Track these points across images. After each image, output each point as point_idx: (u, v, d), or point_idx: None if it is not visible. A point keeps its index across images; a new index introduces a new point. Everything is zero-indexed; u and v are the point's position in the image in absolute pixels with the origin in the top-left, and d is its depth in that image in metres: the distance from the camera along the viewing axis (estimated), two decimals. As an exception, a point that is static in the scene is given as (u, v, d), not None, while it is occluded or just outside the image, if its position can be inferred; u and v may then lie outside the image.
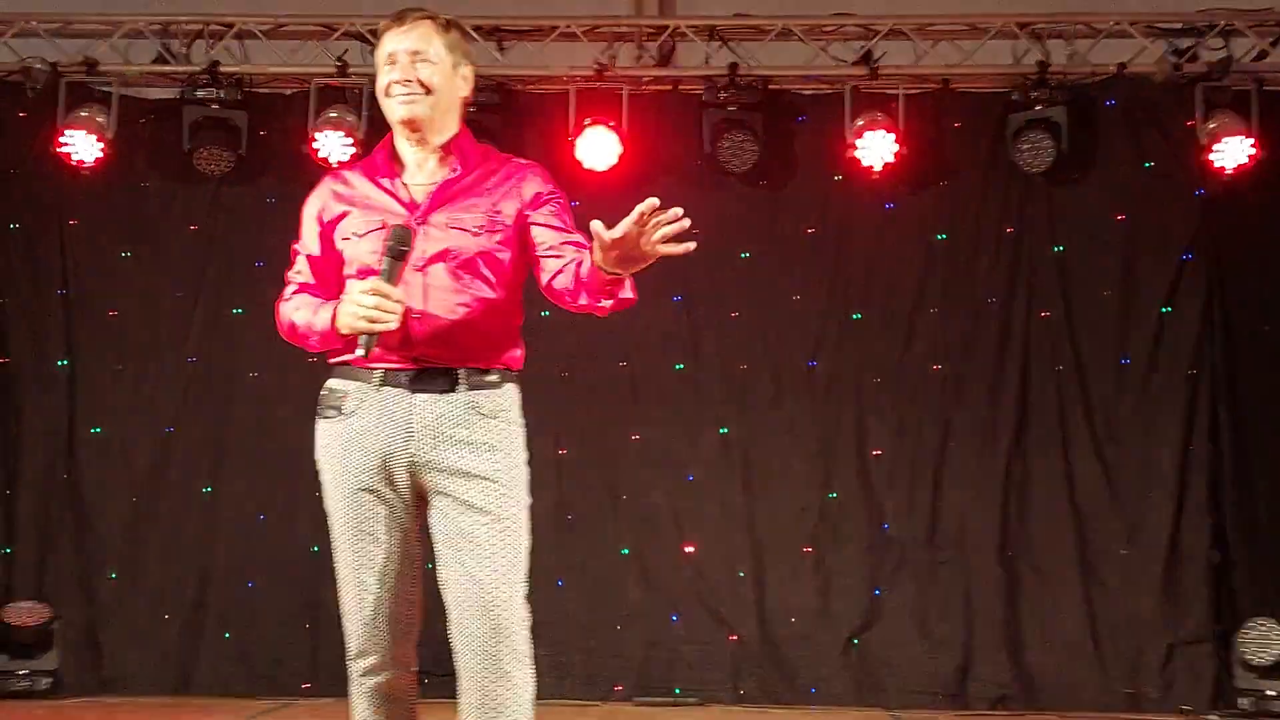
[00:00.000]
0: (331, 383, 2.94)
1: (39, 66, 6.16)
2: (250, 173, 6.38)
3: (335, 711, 6.02)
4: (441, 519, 2.87)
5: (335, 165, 2.95)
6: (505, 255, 2.96)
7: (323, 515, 2.79)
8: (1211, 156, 6.01)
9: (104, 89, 6.26)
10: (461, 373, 2.91)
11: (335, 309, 2.88)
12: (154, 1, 6.39)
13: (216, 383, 6.46)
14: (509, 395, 2.96)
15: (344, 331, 2.83)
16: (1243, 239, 6.24)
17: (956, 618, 6.21)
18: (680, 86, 6.41)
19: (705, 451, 6.38)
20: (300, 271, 3.06)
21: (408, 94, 2.95)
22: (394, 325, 2.79)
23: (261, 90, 6.40)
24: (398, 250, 2.83)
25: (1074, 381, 6.28)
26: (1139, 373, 6.26)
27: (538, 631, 2.80)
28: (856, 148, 6.13)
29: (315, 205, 3.06)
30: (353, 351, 2.84)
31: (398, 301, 2.80)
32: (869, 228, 6.43)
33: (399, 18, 3.03)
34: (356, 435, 2.88)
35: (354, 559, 2.89)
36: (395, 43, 2.99)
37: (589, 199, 6.20)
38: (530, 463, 2.95)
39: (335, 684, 6.05)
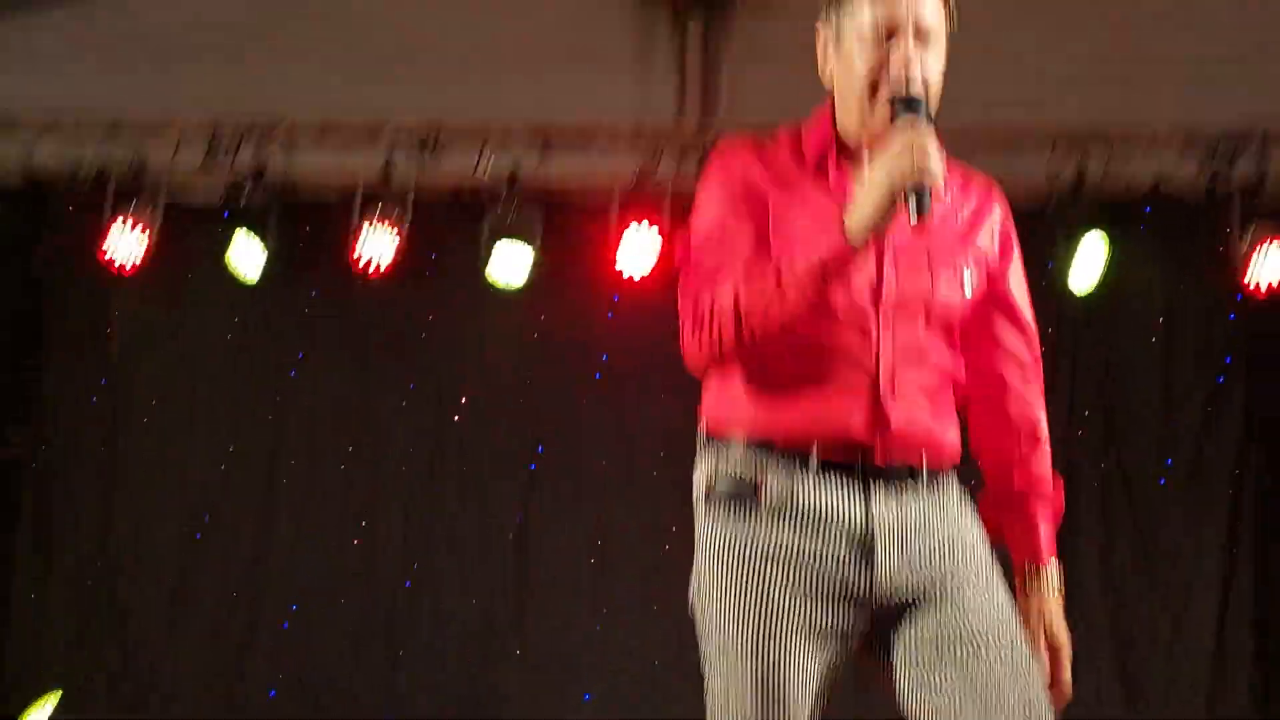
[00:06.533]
0: (734, 461, 2.15)
1: (86, 166, 6.25)
2: (291, 272, 6.42)
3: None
4: (917, 655, 2.12)
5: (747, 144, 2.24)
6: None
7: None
8: (1250, 268, 5.97)
9: (150, 189, 6.31)
10: (928, 473, 2.19)
11: (843, 224, 2.02)
12: (202, 102, 6.48)
13: (254, 480, 6.43)
14: (958, 485, 2.28)
15: (880, 197, 2.00)
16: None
17: None
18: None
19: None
20: (725, 262, 2.15)
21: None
22: (941, 180, 2.04)
23: (305, 190, 6.45)
24: (916, 104, 2.12)
25: (1120, 487, 6.25)
26: (1180, 479, 6.23)
27: None
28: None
29: (735, 183, 2.22)
30: (785, 414, 2.10)
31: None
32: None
33: None
34: (781, 546, 2.09)
35: (750, 713, 2.07)
36: (897, 8, 2.14)
37: (628, 303, 6.23)
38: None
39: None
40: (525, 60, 6.69)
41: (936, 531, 2.17)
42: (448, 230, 6.39)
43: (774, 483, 2.11)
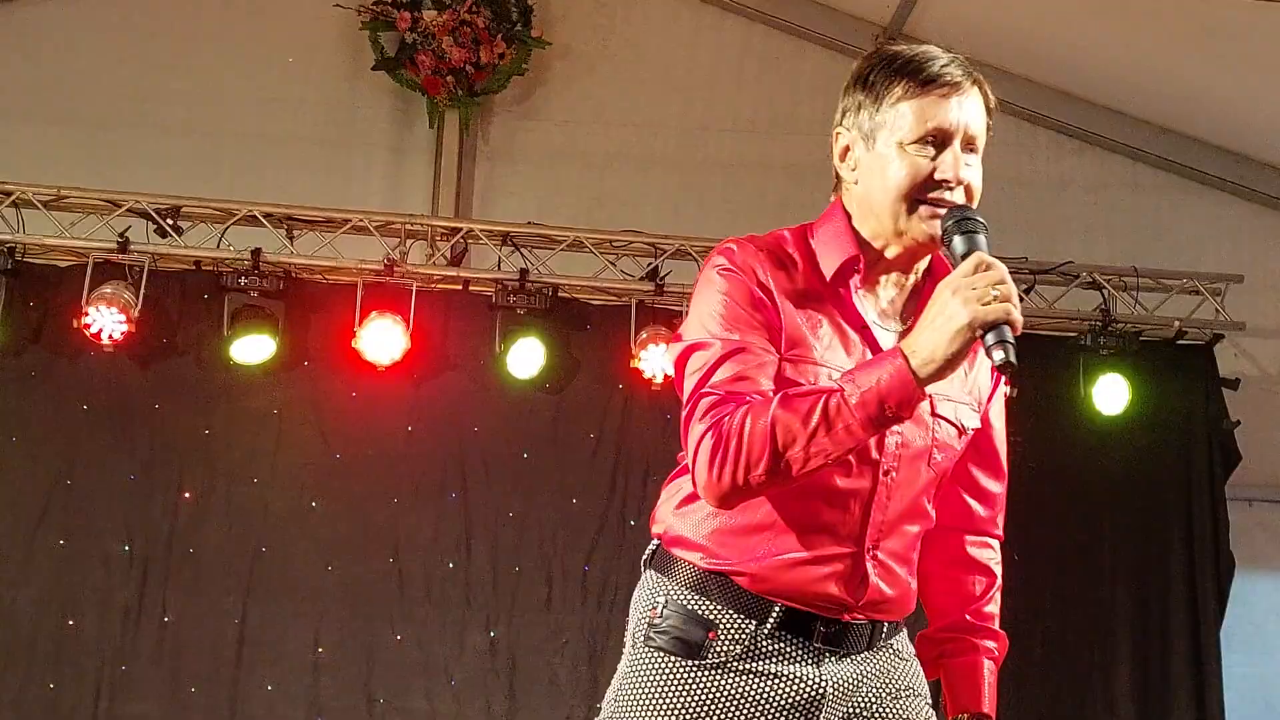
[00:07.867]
0: (686, 602, 1.99)
1: None
2: (15, 344, 6.11)
3: None
4: None
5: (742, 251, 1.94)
6: None
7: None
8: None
9: None
10: (887, 626, 2.02)
11: (899, 353, 1.77)
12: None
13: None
14: (905, 630, 2.10)
15: (959, 337, 1.74)
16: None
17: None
18: (471, 287, 6.46)
19: (471, 655, 6.23)
20: (746, 379, 1.86)
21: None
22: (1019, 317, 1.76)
23: (35, 261, 6.20)
24: (976, 225, 1.85)
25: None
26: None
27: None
28: (639, 359, 6.24)
29: (750, 287, 1.92)
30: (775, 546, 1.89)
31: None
32: (648, 436, 6.50)
33: (940, 74, 1.89)
34: (723, 701, 1.90)
35: None
36: (947, 113, 1.89)
37: (370, 392, 6.17)
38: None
39: None
40: (277, 143, 6.65)
41: (892, 682, 2.02)
42: (187, 304, 6.22)
43: (729, 629, 1.92)
